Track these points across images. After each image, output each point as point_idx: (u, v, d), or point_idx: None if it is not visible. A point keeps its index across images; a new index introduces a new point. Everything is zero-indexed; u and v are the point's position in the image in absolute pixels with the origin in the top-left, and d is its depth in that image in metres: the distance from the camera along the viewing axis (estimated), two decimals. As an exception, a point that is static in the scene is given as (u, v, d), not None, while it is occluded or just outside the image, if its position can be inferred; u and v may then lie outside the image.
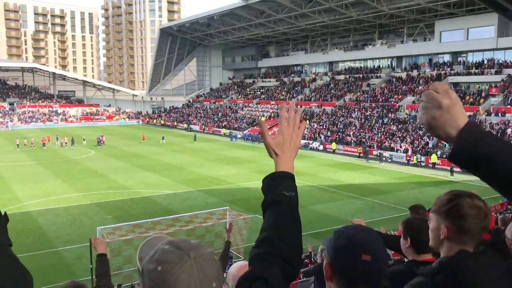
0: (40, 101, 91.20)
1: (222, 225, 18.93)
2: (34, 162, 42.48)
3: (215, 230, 19.13)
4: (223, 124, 71.59)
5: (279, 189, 1.62)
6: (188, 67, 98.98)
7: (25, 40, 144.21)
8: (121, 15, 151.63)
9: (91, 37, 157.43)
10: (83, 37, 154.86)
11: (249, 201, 27.36)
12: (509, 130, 40.46)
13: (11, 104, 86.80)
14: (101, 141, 54.92)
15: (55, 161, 43.12)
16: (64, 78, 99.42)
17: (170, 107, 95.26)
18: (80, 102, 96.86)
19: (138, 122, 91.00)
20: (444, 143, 41.18)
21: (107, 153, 48.03)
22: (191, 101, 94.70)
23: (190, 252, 1.22)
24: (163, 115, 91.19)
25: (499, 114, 43.53)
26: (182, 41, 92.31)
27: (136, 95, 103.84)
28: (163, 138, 58.62)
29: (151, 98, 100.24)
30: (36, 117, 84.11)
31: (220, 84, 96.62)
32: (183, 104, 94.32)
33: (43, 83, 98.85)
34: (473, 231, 1.81)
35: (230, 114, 76.85)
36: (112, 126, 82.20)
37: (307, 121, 60.49)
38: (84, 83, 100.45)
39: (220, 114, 78.65)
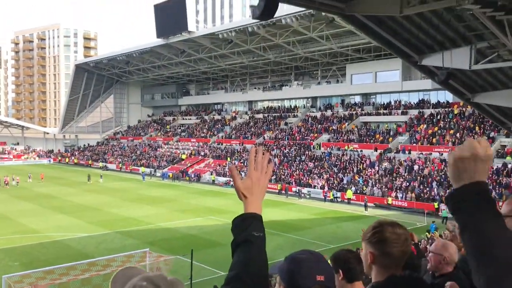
0: None
1: (141, 268, 18.12)
2: None
3: (134, 274, 18.26)
4: (141, 162, 69.76)
5: (249, 230, 1.71)
6: (105, 104, 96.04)
7: None
8: (33, 50, 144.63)
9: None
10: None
11: (170, 242, 26.64)
12: (415, 167, 43.59)
13: None
14: (6, 182, 51.08)
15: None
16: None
17: (84, 145, 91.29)
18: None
19: (49, 161, 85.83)
20: (358, 179, 43.16)
21: (14, 195, 44.61)
22: (108, 139, 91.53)
23: (162, 284, 1.24)
24: (76, 153, 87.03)
25: (406, 152, 46.88)
26: (99, 78, 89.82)
27: (47, 133, 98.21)
28: (101, 177, 57.14)
29: (64, 136, 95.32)
30: None
31: (139, 121, 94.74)
32: (98, 142, 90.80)
33: None
34: (394, 254, 2.01)
35: (149, 152, 75.23)
36: (21, 166, 76.74)
37: (228, 158, 60.87)
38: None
39: (138, 152, 76.69)
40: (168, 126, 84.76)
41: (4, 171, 62.44)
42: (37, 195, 44.75)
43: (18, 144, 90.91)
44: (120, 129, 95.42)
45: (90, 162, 78.24)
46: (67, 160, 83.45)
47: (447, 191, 37.91)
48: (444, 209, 33.72)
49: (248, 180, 1.87)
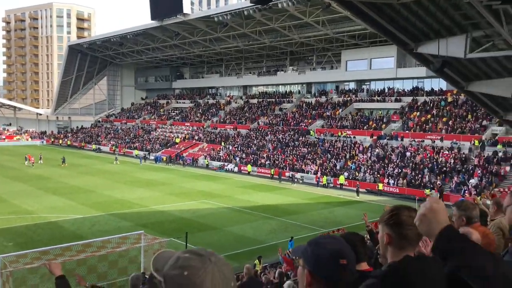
0: None
1: (136, 250, 18.35)
2: None
3: (128, 255, 18.45)
4: (135, 145, 69.68)
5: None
6: (98, 86, 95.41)
7: None
8: (25, 29, 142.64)
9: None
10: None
11: (164, 225, 26.85)
12: (407, 153, 43.96)
13: None
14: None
15: None
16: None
17: (77, 127, 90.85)
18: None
19: (42, 142, 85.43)
20: (350, 165, 43.49)
21: (8, 176, 44.52)
22: (101, 121, 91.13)
23: (211, 257, 1.40)
24: (69, 135, 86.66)
25: (398, 139, 47.21)
26: (92, 59, 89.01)
27: (40, 114, 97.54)
28: (116, 159, 57.61)
29: (57, 118, 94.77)
30: None
31: (132, 104, 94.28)
32: (91, 124, 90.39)
33: None
34: (410, 236, 2.17)
35: (143, 135, 75.09)
36: (13, 147, 76.35)
37: (223, 143, 60.94)
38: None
39: (132, 135, 76.51)
40: (162, 110, 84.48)
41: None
42: (31, 176, 44.68)
43: (10, 125, 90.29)
44: (114, 111, 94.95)
45: (83, 144, 77.99)
46: (60, 141, 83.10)
47: (438, 178, 38.41)
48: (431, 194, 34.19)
49: None
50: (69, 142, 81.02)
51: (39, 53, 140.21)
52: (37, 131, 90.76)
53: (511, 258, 2.50)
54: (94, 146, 74.32)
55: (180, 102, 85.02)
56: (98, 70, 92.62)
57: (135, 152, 65.26)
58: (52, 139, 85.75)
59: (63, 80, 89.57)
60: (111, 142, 74.75)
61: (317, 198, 37.42)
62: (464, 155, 40.63)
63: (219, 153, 58.06)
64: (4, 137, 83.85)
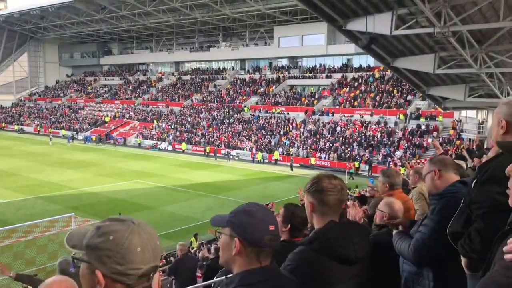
0: None
1: (66, 233, 17.62)
2: None
3: (59, 240, 17.72)
4: (61, 125, 66.37)
5: None
6: (18, 62, 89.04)
7: None
8: None
9: None
10: None
11: (96, 206, 26.02)
12: (338, 128, 45.48)
13: None
14: None
15: None
16: None
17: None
18: None
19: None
20: (284, 140, 44.25)
21: None
22: (23, 100, 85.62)
23: (133, 220, 1.40)
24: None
25: (329, 114, 48.64)
26: (10, 34, 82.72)
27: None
28: (50, 140, 55.05)
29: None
30: None
31: (57, 81, 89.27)
32: (12, 103, 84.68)
33: None
34: (331, 203, 2.27)
35: (70, 114, 71.60)
36: None
37: (155, 121, 59.59)
38: None
39: (58, 114, 72.71)
40: (89, 87, 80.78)
41: None
42: None
43: None
44: (37, 90, 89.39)
45: (3, 124, 73.06)
46: (-23, 122, 77.21)
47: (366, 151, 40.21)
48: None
49: None
50: (-13, 123, 75.51)
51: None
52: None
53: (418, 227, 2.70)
54: (16, 127, 69.86)
55: (108, 79, 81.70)
56: (17, 45, 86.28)
57: (62, 132, 62.20)
58: (-32, 120, 79.45)
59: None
60: (35, 122, 70.64)
61: (253, 174, 37.86)
62: (390, 129, 42.72)
63: (152, 132, 56.81)
64: None
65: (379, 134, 42.35)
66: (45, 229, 17.18)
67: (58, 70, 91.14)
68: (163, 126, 57.75)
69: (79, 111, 72.00)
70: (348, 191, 2.76)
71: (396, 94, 47.58)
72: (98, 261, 1.33)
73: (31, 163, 40.43)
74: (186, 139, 52.10)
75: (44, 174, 35.66)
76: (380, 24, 15.21)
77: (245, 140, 48.48)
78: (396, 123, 43.44)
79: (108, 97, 73.91)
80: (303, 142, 45.12)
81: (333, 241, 2.14)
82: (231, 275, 1.77)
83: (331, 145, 43.00)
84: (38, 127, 67.92)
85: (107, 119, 65.11)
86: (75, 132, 61.50)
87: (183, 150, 49.71)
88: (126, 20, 66.01)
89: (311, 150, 43.07)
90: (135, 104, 67.83)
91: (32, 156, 44.89)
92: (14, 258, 15.46)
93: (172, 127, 56.58)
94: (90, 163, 41.55)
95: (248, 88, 60.94)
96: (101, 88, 79.12)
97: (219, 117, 55.77)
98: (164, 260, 15.46)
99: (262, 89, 59.21)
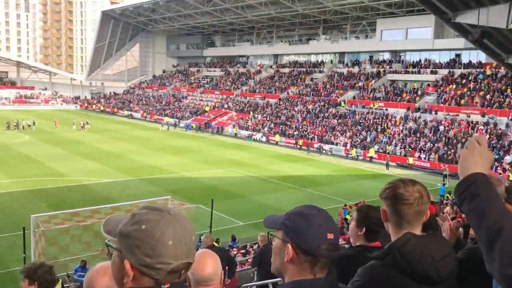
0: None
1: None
2: (-40, 146, 39.83)
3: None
4: (165, 113, 70.41)
5: None
6: (131, 53, 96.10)
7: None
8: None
9: (27, 15, 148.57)
10: (18, 15, 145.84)
11: (192, 191, 27.25)
12: (441, 128, 42.80)
13: None
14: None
15: (-16, 145, 40.66)
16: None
17: (110, 92, 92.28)
18: (13, 84, 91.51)
19: (76, 107, 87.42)
20: (381, 138, 42.76)
21: (43, 139, 45.91)
22: (133, 88, 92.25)
23: (169, 211, 1.31)
24: (102, 101, 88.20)
25: (432, 112, 45.93)
26: (125, 26, 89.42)
27: (74, 79, 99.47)
28: (162, 126, 59.19)
29: (91, 83, 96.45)
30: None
31: (164, 71, 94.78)
32: (124, 90, 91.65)
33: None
34: (406, 213, 1.95)
35: (173, 102, 75.70)
36: (48, 111, 78.43)
37: (251, 112, 60.80)
38: (18, 64, 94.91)
39: (163, 102, 77.25)
40: (192, 77, 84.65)
41: (34, 114, 63.91)
42: (64, 140, 45.92)
43: (46, 89, 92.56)
44: (145, 78, 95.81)
45: (115, 110, 79.38)
46: (93, 107, 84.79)
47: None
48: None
49: None
50: (102, 108, 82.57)
51: (74, 19, 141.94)
52: (71, 96, 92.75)
53: None
54: (126, 112, 75.55)
55: (210, 70, 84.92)
56: (130, 36, 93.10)
57: (166, 119, 66.05)
58: (86, 104, 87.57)
59: (96, 46, 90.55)
60: (142, 109, 75.78)
61: (345, 170, 37.12)
62: (500, 131, 39.27)
63: (248, 123, 58.05)
64: (40, 101, 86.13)
65: (488, 136, 39.11)
66: (144, 209, 18.39)
67: (165, 60, 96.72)
68: (259, 117, 58.74)
69: (182, 100, 75.80)
70: (432, 200, 2.36)
71: (510, 94, 43.53)
72: (127, 250, 1.27)
73: (137, 147, 43.45)
74: (280, 131, 52.51)
75: (147, 157, 38.14)
76: (495, 16, 13.95)
77: (339, 135, 47.61)
78: (507, 125, 39.79)
79: (209, 88, 76.84)
80: (401, 140, 43.19)
81: (409, 256, 1.84)
82: (281, 282, 1.64)
83: (432, 145, 40.63)
84: (145, 113, 72.76)
85: (207, 108, 67.81)
86: (177, 120, 64.86)
87: (277, 142, 50.17)
88: (229, 12, 67.95)
89: (410, 149, 41.07)
90: (234, 95, 69.76)
91: (138, 140, 48.23)
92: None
93: (268, 119, 57.33)
94: (189, 149, 43.61)
95: (345, 82, 59.66)
96: (203, 79, 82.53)
97: (314, 110, 55.36)
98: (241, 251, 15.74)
99: (360, 83, 57.60)
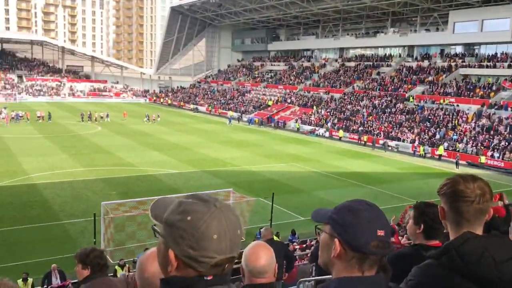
0: (48, 74, 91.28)
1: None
2: (41, 135, 42.74)
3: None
4: (229, 107, 71.48)
5: None
6: (197, 47, 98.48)
7: (35, 13, 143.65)
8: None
9: (101, 12, 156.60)
10: (93, 12, 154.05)
11: (253, 184, 27.50)
12: (517, 125, 40.14)
13: (20, 76, 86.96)
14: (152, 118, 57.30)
15: (61, 135, 43.36)
16: (72, 52, 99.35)
17: (177, 86, 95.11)
18: (87, 77, 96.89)
19: (145, 100, 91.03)
20: (452, 135, 40.71)
21: (114, 130, 48.22)
22: (199, 82, 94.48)
23: (215, 203, 1.29)
24: (170, 94, 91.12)
25: (508, 109, 43.12)
26: (192, 21, 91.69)
27: (144, 73, 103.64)
28: (229, 120, 59.97)
29: (159, 77, 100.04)
30: (44, 90, 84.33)
31: (229, 66, 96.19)
32: (190, 84, 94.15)
33: (51, 57, 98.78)
34: (465, 212, 1.82)
35: (237, 96, 76.66)
36: (119, 103, 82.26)
37: (315, 107, 60.22)
38: (93, 58, 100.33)
39: (227, 96, 78.47)
40: (256, 72, 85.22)
41: (107, 107, 67.39)
42: (133, 132, 47.97)
43: (117, 82, 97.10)
44: (211, 72, 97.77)
45: (182, 103, 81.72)
46: (161, 100, 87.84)
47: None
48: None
49: None
50: (169, 101, 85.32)
51: (144, 15, 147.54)
52: (140, 90, 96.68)
53: None
54: (192, 106, 77.57)
55: (274, 65, 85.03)
56: (197, 31, 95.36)
57: (230, 113, 67.05)
58: (154, 98, 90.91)
59: (165, 41, 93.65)
60: (208, 103, 77.44)
61: (412, 168, 35.82)
62: None
63: (311, 117, 57.56)
64: (112, 94, 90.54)
65: None
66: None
67: (230, 55, 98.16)
68: (322, 112, 58.05)
69: (246, 94, 76.57)
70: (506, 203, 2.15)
71: None
72: (172, 240, 1.27)
73: (202, 140, 44.50)
74: (344, 126, 51.60)
75: (211, 150, 38.95)
76: None
77: (406, 131, 45.98)
78: None
79: (273, 82, 77.00)
80: (473, 138, 40.96)
81: (467, 257, 1.71)
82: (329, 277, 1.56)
83: (507, 143, 38.17)
84: (210, 107, 74.30)
85: (270, 103, 68.03)
86: (240, 114, 65.62)
87: (340, 138, 49.36)
88: (294, 6, 67.56)
89: (482, 148, 38.86)
90: (297, 90, 69.41)
91: (203, 133, 49.37)
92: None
93: (331, 114, 56.52)
94: (251, 143, 44.00)
95: (414, 77, 57.44)
96: (266, 73, 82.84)
97: (380, 105, 53.83)
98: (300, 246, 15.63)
99: (430, 78, 55.20)
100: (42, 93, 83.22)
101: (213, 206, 1.27)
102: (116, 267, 13.33)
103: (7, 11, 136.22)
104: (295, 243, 16.60)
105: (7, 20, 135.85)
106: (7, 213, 20.32)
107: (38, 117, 53.10)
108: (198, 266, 1.26)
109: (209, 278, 1.27)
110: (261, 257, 2.22)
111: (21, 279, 12.57)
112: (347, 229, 1.46)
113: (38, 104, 71.84)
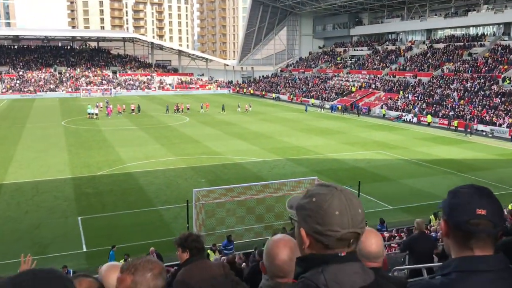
0: (139, 69, 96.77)
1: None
2: (135, 127, 45.59)
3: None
4: (311, 94, 71.04)
5: None
6: (278, 36, 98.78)
7: (126, 12, 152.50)
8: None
9: (186, 7, 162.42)
10: (179, 7, 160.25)
11: (338, 172, 27.29)
12: None
13: (114, 72, 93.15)
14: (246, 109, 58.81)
15: (153, 126, 45.94)
16: (161, 47, 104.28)
17: (259, 76, 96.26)
18: (175, 71, 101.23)
19: (229, 91, 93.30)
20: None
21: (201, 121, 50.10)
22: (280, 71, 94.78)
23: (336, 186, 1.55)
24: (252, 84, 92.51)
25: None
26: (273, 10, 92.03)
27: (227, 65, 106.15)
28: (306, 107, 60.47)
29: (242, 68, 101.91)
30: (136, 84, 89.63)
31: (310, 53, 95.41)
32: (272, 74, 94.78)
33: (142, 52, 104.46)
34: None
35: (319, 83, 75.94)
36: (205, 95, 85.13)
37: (401, 92, 57.98)
38: (180, 52, 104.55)
39: (309, 84, 78.02)
40: (338, 58, 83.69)
41: (194, 98, 70.11)
42: (218, 122, 49.52)
43: (203, 75, 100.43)
44: (292, 61, 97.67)
45: (264, 93, 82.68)
46: (244, 90, 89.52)
47: None
48: None
49: None
50: (251, 91, 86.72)
51: (227, 7, 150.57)
52: (224, 81, 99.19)
53: None
54: (274, 95, 78.21)
55: (357, 50, 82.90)
56: (278, 20, 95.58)
57: (312, 101, 66.65)
58: (237, 88, 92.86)
59: (247, 32, 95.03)
60: (289, 91, 77.60)
61: (510, 155, 33.36)
62: None
63: (397, 103, 55.54)
64: (198, 86, 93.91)
65: None
66: (291, 188, 19.07)
67: (311, 42, 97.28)
68: (409, 97, 55.75)
69: (328, 81, 75.59)
70: None
71: None
72: (302, 220, 1.53)
73: (284, 128, 44.81)
74: (433, 111, 49.18)
75: (294, 138, 39.13)
76: None
77: (503, 115, 42.80)
78: None
79: (356, 68, 75.22)
80: None
81: None
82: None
83: None
84: (291, 95, 74.41)
85: (353, 89, 66.62)
86: (323, 102, 64.98)
87: (429, 123, 47.14)
88: (377, -12, 65.18)
89: None
90: (382, 74, 67.20)
91: (285, 121, 49.67)
92: (266, 211, 17.67)
93: (419, 98, 54.10)
94: (335, 131, 43.51)
95: (511, 56, 53.10)
96: (349, 59, 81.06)
97: (472, 88, 50.53)
98: (401, 234, 15.32)
99: (531, 57, 50.76)
100: (134, 87, 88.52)
101: (334, 189, 1.52)
102: (209, 251, 14.03)
103: (101, 11, 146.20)
104: (383, 232, 16.33)
105: (102, 20, 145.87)
106: (109, 199, 22.09)
107: (132, 110, 56.65)
108: (325, 240, 1.49)
109: (342, 254, 1.50)
110: (373, 242, 2.45)
111: (123, 260, 13.70)
112: (448, 209, 1.58)
113: (131, 97, 76.57)
